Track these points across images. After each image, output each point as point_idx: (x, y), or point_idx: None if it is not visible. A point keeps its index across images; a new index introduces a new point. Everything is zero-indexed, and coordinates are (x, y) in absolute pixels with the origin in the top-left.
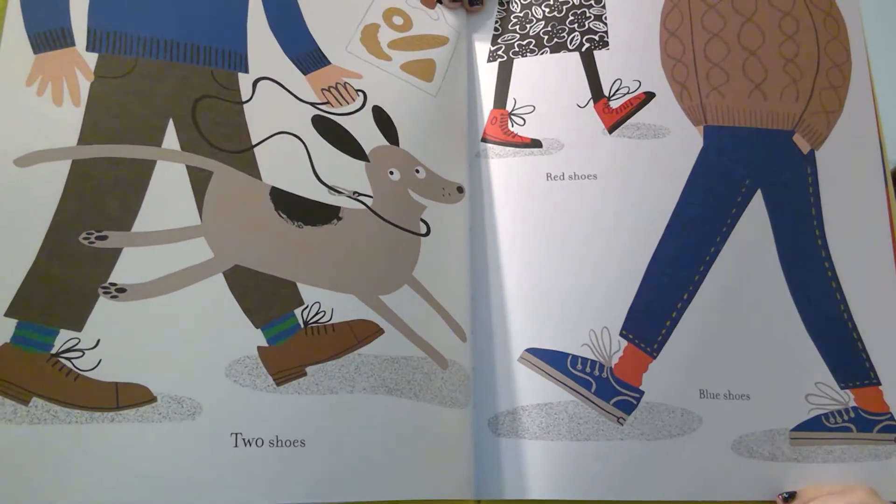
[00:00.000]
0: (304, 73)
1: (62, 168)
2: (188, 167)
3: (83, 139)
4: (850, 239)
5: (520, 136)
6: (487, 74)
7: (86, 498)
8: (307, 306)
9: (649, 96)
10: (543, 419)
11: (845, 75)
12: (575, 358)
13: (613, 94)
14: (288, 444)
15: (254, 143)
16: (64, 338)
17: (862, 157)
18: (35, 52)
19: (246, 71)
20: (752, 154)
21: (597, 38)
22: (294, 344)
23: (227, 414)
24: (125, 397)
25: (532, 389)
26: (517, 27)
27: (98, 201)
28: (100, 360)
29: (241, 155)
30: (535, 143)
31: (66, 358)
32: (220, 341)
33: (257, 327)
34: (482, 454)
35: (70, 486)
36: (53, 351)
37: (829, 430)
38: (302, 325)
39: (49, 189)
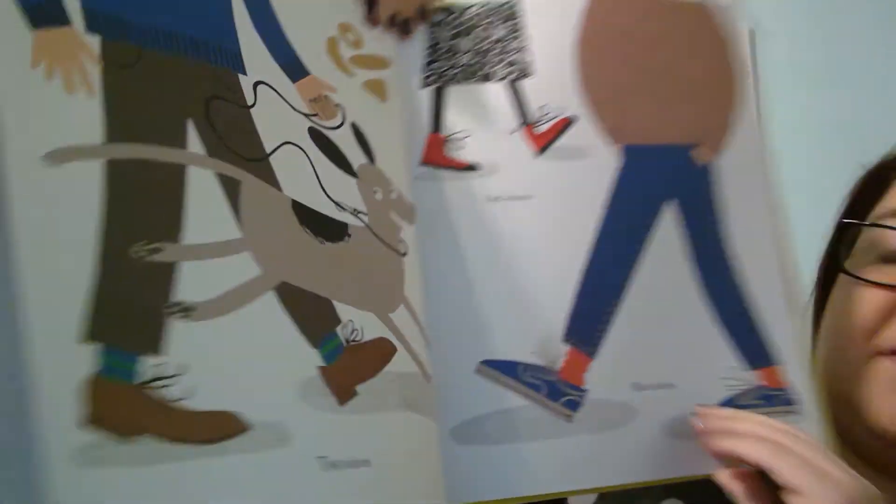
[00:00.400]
0: (293, 82)
1: (93, 168)
2: (217, 174)
3: (111, 136)
4: (745, 240)
5: (457, 161)
6: (423, 100)
7: None
8: (344, 324)
9: (572, 120)
10: (503, 424)
11: (734, 93)
12: (526, 366)
13: (540, 120)
14: (357, 464)
15: (267, 152)
16: (148, 364)
17: (750, 166)
18: (33, 28)
19: (244, 72)
20: (662, 169)
21: (520, 68)
22: (344, 362)
23: (312, 438)
24: (223, 427)
25: (490, 398)
26: (446, 57)
27: (143, 209)
28: (189, 388)
29: (261, 163)
30: (473, 167)
31: (157, 387)
32: (288, 362)
33: (314, 347)
34: (451, 462)
35: None
36: (142, 380)
37: (741, 406)
38: (345, 344)
39: (87, 192)
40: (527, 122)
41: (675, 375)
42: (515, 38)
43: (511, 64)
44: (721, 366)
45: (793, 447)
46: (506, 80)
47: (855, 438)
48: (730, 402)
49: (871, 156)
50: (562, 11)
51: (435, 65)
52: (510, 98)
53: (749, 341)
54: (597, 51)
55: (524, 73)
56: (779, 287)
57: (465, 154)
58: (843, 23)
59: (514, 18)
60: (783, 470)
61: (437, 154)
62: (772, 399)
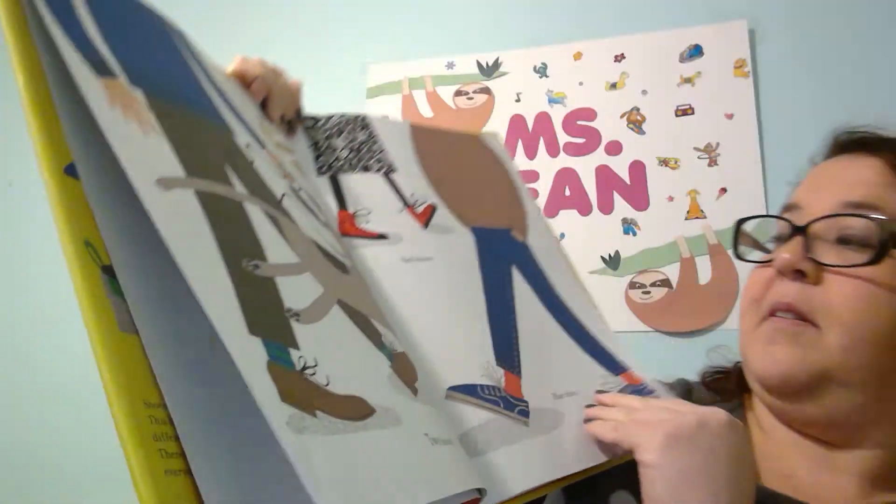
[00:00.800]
0: (262, 148)
1: (190, 196)
2: (263, 210)
3: (188, 172)
4: (564, 289)
5: (369, 231)
6: (323, 185)
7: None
8: (384, 335)
9: (434, 208)
10: (482, 436)
11: (517, 195)
12: (482, 386)
13: (415, 204)
14: (445, 442)
15: (277, 197)
16: (295, 356)
17: (548, 240)
18: (98, 76)
19: (233, 132)
20: (500, 243)
21: (387, 164)
22: (399, 364)
23: (414, 419)
24: (362, 409)
25: (464, 417)
26: (327, 153)
27: (235, 232)
28: (326, 376)
29: (279, 206)
30: (382, 236)
31: (308, 375)
32: (372, 359)
33: (379, 350)
34: None
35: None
36: (298, 368)
37: None
38: (391, 351)
39: (196, 215)
40: (408, 205)
41: (572, 385)
42: (375, 141)
43: (380, 161)
44: (597, 375)
45: (627, 416)
46: (381, 173)
47: (764, 401)
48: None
49: None
50: (399, 130)
51: (321, 158)
52: (389, 186)
53: (604, 356)
54: (429, 162)
55: (392, 168)
56: (597, 318)
57: (372, 227)
58: (843, 23)
59: (368, 128)
60: (618, 440)
61: (350, 227)
62: (639, 391)
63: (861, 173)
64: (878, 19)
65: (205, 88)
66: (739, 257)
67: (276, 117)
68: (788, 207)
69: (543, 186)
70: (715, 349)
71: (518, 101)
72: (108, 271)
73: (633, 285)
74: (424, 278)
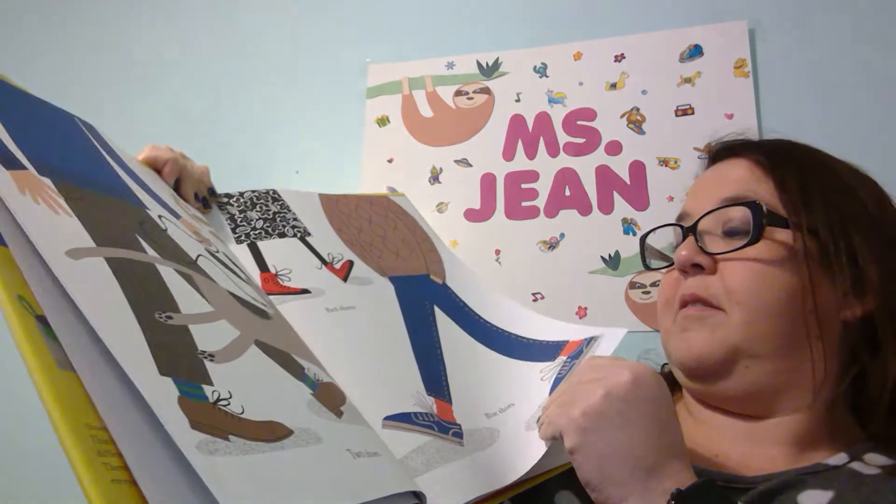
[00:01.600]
0: (177, 219)
1: (101, 262)
2: (175, 269)
3: (99, 242)
4: (485, 311)
5: (292, 287)
6: (243, 252)
7: None
8: (307, 368)
9: (352, 263)
10: (422, 457)
11: (429, 241)
12: (416, 413)
13: (332, 261)
14: (372, 454)
15: (192, 257)
16: (208, 391)
17: (464, 275)
18: (6, 169)
19: (147, 208)
20: (419, 288)
21: (302, 229)
22: (323, 392)
23: (336, 437)
24: (278, 430)
25: (403, 442)
26: (243, 225)
27: (146, 290)
28: (240, 406)
29: (194, 265)
30: (306, 291)
31: (223, 405)
32: (290, 389)
33: (300, 381)
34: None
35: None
36: (212, 400)
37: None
38: (316, 381)
39: (107, 278)
40: (326, 262)
41: (509, 398)
42: (288, 211)
43: (294, 227)
44: (534, 373)
45: (556, 408)
46: (297, 237)
47: (688, 388)
48: (559, 381)
49: (871, 155)
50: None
51: (238, 230)
52: (306, 247)
53: (537, 351)
54: (341, 226)
55: (307, 232)
56: (525, 317)
57: (295, 283)
58: (843, 23)
59: (280, 200)
60: (551, 434)
61: (274, 285)
62: (575, 356)
63: (732, 173)
64: (879, 19)
65: (117, 172)
66: (647, 268)
67: (190, 196)
68: (679, 217)
69: (543, 186)
70: (646, 353)
71: (518, 101)
72: (42, 320)
73: (632, 285)
74: (349, 324)
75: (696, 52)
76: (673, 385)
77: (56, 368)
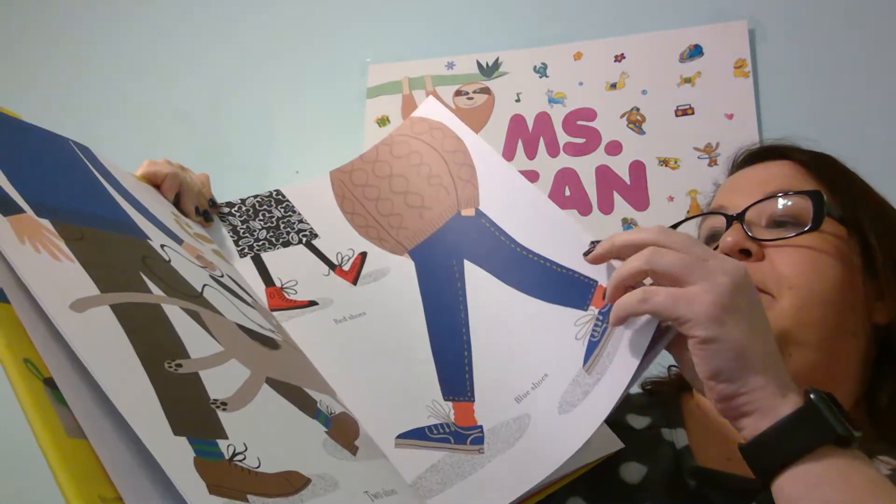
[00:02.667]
0: (179, 244)
1: (106, 311)
2: (182, 308)
3: (102, 289)
4: (521, 230)
5: (299, 300)
6: (246, 266)
7: None
8: (319, 401)
9: (364, 255)
10: (436, 476)
11: (462, 157)
12: (430, 427)
13: (342, 262)
14: (390, 493)
15: (198, 290)
16: (223, 445)
17: (501, 178)
18: (6, 215)
19: (149, 238)
20: (443, 246)
21: (308, 232)
22: (337, 427)
23: (353, 479)
24: (296, 481)
25: (417, 461)
26: (246, 236)
27: (154, 337)
28: (255, 458)
29: (200, 298)
30: (313, 303)
31: (238, 462)
32: (305, 430)
33: (313, 418)
34: None
35: None
36: (227, 457)
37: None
38: (329, 415)
39: (113, 328)
40: (334, 266)
41: (542, 368)
42: (293, 213)
43: (300, 231)
44: (568, 325)
45: (666, 242)
46: (302, 243)
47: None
48: (594, 346)
49: (871, 155)
50: (318, 189)
51: (241, 242)
52: (313, 253)
53: (571, 287)
54: (352, 202)
55: (314, 235)
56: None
57: (301, 296)
58: (843, 23)
59: (284, 201)
60: (654, 311)
61: (280, 300)
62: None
63: (776, 171)
64: (878, 19)
65: (116, 200)
66: None
67: (191, 210)
68: (714, 210)
69: (543, 186)
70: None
71: (518, 101)
72: (50, 383)
73: None
74: (359, 334)
75: (696, 52)
76: (681, 386)
77: (66, 437)
